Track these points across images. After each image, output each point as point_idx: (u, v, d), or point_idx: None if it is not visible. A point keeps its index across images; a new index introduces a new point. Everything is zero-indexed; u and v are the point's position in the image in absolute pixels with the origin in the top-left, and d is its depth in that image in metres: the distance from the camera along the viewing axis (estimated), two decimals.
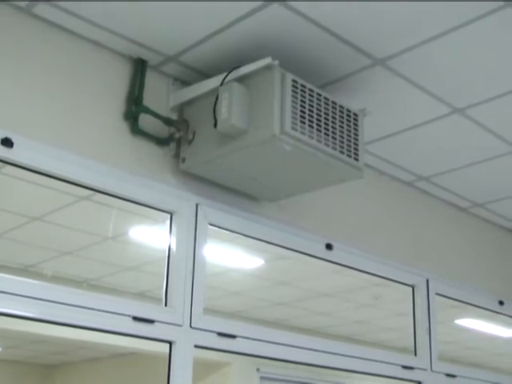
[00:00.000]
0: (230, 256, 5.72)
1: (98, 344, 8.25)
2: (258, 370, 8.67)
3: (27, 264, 5.91)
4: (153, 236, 5.19)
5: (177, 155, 3.46)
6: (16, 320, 7.36)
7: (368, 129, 3.61)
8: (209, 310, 3.44)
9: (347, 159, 3.32)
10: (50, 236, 5.70)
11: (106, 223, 5.34)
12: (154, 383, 7.29)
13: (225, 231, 3.74)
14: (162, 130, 3.45)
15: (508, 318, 5.63)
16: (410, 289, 4.78)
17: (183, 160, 3.43)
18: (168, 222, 3.48)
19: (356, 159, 3.37)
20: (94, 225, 5.41)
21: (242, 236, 4.34)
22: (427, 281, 4.76)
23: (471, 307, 5.94)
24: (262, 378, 8.83)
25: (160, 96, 3.49)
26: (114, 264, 6.15)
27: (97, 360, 10.35)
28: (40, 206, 5.02)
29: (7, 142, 2.87)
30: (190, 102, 3.47)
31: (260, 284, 6.68)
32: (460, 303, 5.61)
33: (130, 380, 9.54)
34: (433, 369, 4.64)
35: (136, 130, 3.35)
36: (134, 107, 3.35)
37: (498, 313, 5.42)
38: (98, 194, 4.44)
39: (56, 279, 5.37)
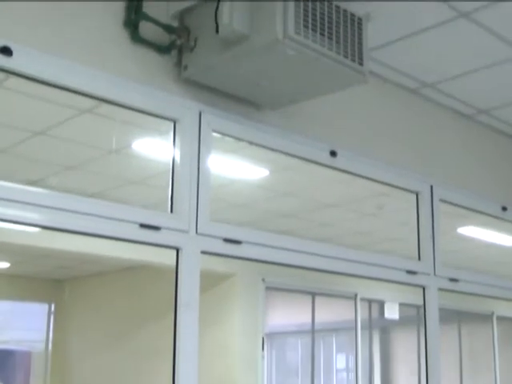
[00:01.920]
0: (234, 167, 5.71)
1: (105, 257, 8.34)
2: (263, 280, 8.78)
3: (31, 180, 5.91)
4: (157, 148, 5.17)
5: (178, 63, 3.43)
6: (23, 234, 7.48)
7: (372, 35, 3.56)
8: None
9: (351, 64, 3.29)
10: (53, 150, 5.68)
11: (109, 136, 5.32)
12: (162, 295, 7.40)
13: (228, 141, 3.73)
14: (163, 37, 3.40)
15: (511, 226, 5.68)
16: (414, 198, 4.80)
17: (185, 68, 3.40)
18: (171, 132, 3.47)
19: (360, 64, 3.33)
20: (97, 138, 5.39)
21: (245, 147, 4.34)
22: (431, 187, 4.78)
23: (474, 216, 5.98)
24: (268, 288, 8.95)
25: (160, 3, 3.43)
26: (118, 178, 6.15)
27: (104, 274, 10.49)
28: (42, 121, 5.00)
29: (6, 51, 2.83)
30: (190, 9, 3.41)
31: (264, 195, 6.69)
32: (463, 212, 5.65)
33: (138, 293, 9.69)
34: (436, 273, 4.70)
35: (136, 37, 3.30)
36: (134, 14, 3.30)
37: (500, 219, 5.45)
38: (100, 106, 4.42)
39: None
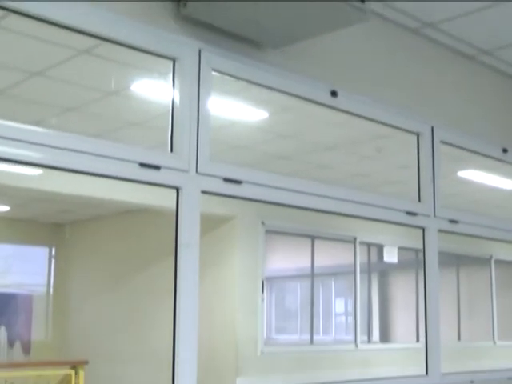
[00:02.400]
0: (234, 109, 5.67)
1: (105, 200, 8.36)
2: (263, 223, 8.81)
3: (30, 122, 5.90)
4: (156, 90, 5.13)
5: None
6: (24, 177, 7.47)
7: None
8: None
9: (353, 1, 3.24)
10: (52, 92, 5.65)
11: (107, 78, 5.28)
12: (162, 238, 7.42)
13: (228, 81, 3.69)
14: None
15: (511, 168, 5.67)
16: (414, 140, 4.77)
17: (184, 4, 3.33)
18: (171, 74, 3.42)
19: (362, 1, 3.28)
20: (96, 80, 5.35)
21: (245, 88, 4.29)
22: (432, 128, 4.74)
23: (474, 159, 5.95)
24: (267, 232, 8.99)
25: None
26: (118, 120, 6.12)
27: (105, 217, 10.52)
28: (40, 61, 4.95)
29: None
30: None
31: (264, 137, 6.67)
32: (463, 155, 5.63)
33: (138, 236, 9.73)
34: (436, 215, 4.70)
35: None
36: None
37: (501, 161, 5.43)
38: (98, 47, 4.37)
39: None
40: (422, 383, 4.57)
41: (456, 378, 4.89)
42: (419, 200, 4.68)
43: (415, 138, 4.76)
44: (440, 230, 4.74)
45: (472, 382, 4.90)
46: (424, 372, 4.62)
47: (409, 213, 4.53)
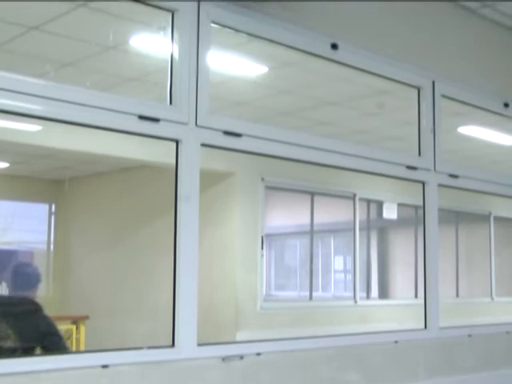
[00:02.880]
0: (233, 63, 5.62)
1: (104, 157, 8.33)
2: (262, 179, 8.80)
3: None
4: (155, 44, 5.08)
5: None
6: (23, 133, 7.41)
7: None
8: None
9: None
10: (49, 47, 5.59)
11: (106, 32, 5.22)
12: (161, 194, 7.42)
13: (228, 34, 3.66)
14: None
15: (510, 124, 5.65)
16: (415, 95, 4.73)
17: None
18: (169, 28, 3.38)
19: None
20: (94, 34, 5.29)
21: (244, 43, 4.25)
22: (433, 82, 4.70)
23: (475, 115, 5.93)
24: (267, 188, 8.98)
25: None
26: (116, 75, 6.07)
27: (104, 174, 10.50)
28: (37, 15, 4.89)
29: None
30: None
31: (263, 93, 6.63)
32: (463, 111, 5.60)
33: (138, 192, 9.72)
34: (436, 169, 4.69)
35: None
36: None
37: (502, 115, 5.41)
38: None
39: None
40: (421, 336, 4.61)
41: (454, 332, 4.92)
42: (419, 154, 4.66)
43: (416, 93, 4.73)
44: (440, 185, 4.74)
45: (470, 335, 4.94)
46: (423, 326, 4.65)
47: (409, 167, 4.52)
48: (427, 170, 4.65)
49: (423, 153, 4.66)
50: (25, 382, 2.75)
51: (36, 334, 4.28)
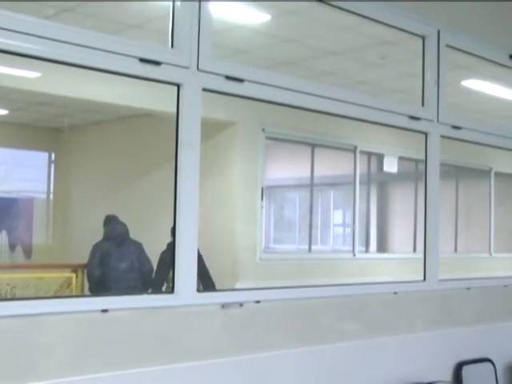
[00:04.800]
0: (236, 10, 5.52)
1: (104, 105, 8.28)
2: (263, 130, 8.75)
3: None
4: None
5: None
6: (22, 79, 7.33)
7: None
8: None
9: None
10: None
11: None
12: (161, 144, 7.38)
13: None
14: None
15: None
16: (418, 48, 4.66)
17: None
18: None
19: None
20: None
21: None
22: (438, 32, 4.64)
23: (478, 68, 5.86)
24: (268, 138, 8.94)
25: None
26: (116, 21, 5.98)
27: (104, 123, 10.45)
28: None
29: None
30: None
31: (265, 42, 6.55)
32: (467, 64, 5.53)
33: (137, 142, 9.68)
34: (439, 120, 4.65)
35: None
36: None
37: (507, 67, 5.34)
38: None
39: None
40: (420, 288, 4.62)
41: (453, 284, 4.94)
42: (423, 104, 4.61)
43: (420, 44, 4.66)
44: (442, 136, 4.71)
45: (468, 288, 4.95)
46: (422, 279, 4.66)
47: (412, 117, 4.48)
48: (430, 120, 4.61)
49: (426, 103, 4.61)
50: (25, 325, 2.75)
51: None
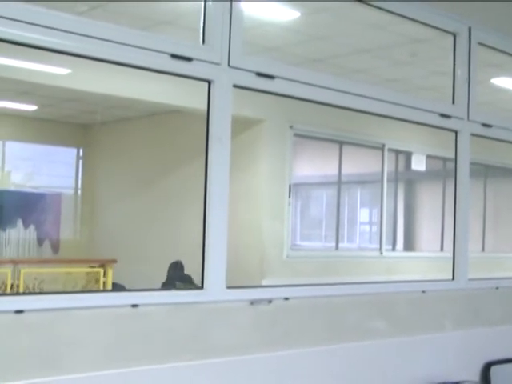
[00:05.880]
0: (265, 7, 5.53)
1: (133, 101, 8.32)
2: (291, 127, 8.74)
3: None
4: None
5: None
6: (51, 76, 7.39)
7: None
8: None
9: None
10: None
11: None
12: (190, 141, 7.41)
13: None
14: None
15: None
16: (448, 45, 4.62)
17: None
18: None
19: None
20: None
21: None
22: (469, 29, 4.59)
23: (508, 66, 5.80)
24: (296, 135, 8.93)
25: None
26: (147, 18, 6.01)
27: (133, 119, 10.50)
28: None
29: None
30: None
31: (295, 39, 6.54)
32: (497, 61, 5.48)
33: (166, 138, 9.72)
34: (470, 118, 4.61)
35: None
36: None
37: None
38: None
39: None
40: (449, 287, 4.59)
41: (482, 284, 4.89)
42: (453, 102, 4.58)
43: (450, 41, 4.62)
44: (473, 134, 4.66)
45: (497, 288, 4.91)
46: (450, 278, 4.63)
47: (442, 115, 4.45)
48: (460, 118, 4.57)
49: (457, 101, 4.57)
50: (56, 319, 2.77)
51: None
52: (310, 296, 3.70)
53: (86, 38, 2.83)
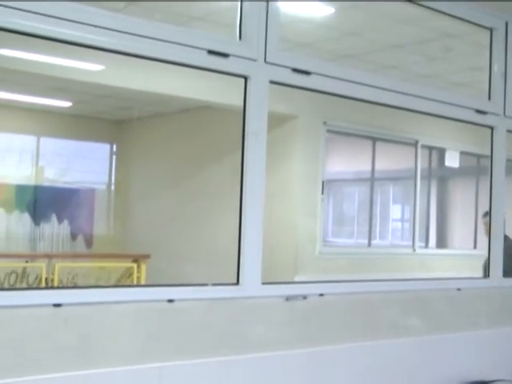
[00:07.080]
0: (299, 3, 5.51)
1: (167, 97, 8.34)
2: (324, 123, 8.72)
3: None
4: None
5: None
6: (86, 72, 7.42)
7: None
8: None
9: None
10: None
11: None
12: (224, 137, 7.42)
13: None
14: None
15: None
16: (483, 41, 4.58)
17: None
18: None
19: None
20: None
21: None
22: (506, 24, 4.54)
23: None
24: (329, 131, 8.90)
25: None
26: (183, 14, 6.03)
27: (166, 115, 10.52)
28: None
29: None
30: None
31: (329, 35, 6.53)
32: None
33: (200, 134, 9.73)
34: (506, 114, 4.56)
35: None
36: None
37: None
38: None
39: None
40: (484, 285, 4.56)
41: None
42: (489, 98, 4.53)
43: (484, 37, 4.58)
44: (509, 130, 4.61)
45: None
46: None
47: (478, 111, 4.41)
48: (497, 114, 4.52)
49: (493, 97, 4.53)
50: (94, 313, 2.80)
51: None
52: (345, 292, 3.70)
53: (124, 35, 2.86)
